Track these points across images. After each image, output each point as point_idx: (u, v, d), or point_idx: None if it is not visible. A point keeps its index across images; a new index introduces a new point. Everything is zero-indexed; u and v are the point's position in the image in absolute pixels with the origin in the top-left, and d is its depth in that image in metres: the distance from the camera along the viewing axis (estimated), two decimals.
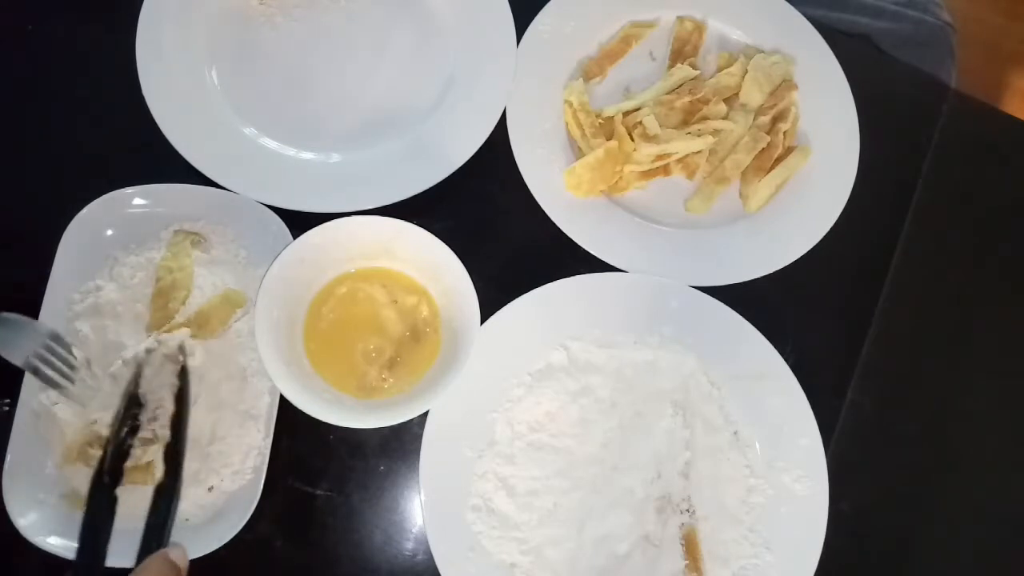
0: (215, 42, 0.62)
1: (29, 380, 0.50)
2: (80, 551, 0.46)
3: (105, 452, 0.48)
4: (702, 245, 0.60)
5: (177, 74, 0.59)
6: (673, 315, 0.57)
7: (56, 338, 0.49)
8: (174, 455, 0.48)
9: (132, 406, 0.49)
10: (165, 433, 0.49)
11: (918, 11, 0.81)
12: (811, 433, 0.55)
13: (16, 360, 0.48)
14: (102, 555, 0.46)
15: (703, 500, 0.53)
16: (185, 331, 0.51)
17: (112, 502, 0.47)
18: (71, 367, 0.49)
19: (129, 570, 0.44)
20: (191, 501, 0.49)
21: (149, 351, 0.50)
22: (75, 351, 0.50)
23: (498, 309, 0.55)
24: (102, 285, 0.53)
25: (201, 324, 0.52)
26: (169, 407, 0.49)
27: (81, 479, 0.49)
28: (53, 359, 0.49)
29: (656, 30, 0.67)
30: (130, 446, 0.48)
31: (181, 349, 0.50)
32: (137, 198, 0.54)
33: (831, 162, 0.62)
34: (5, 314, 0.49)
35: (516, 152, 0.59)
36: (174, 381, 0.49)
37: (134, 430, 0.49)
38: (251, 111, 0.60)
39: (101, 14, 0.62)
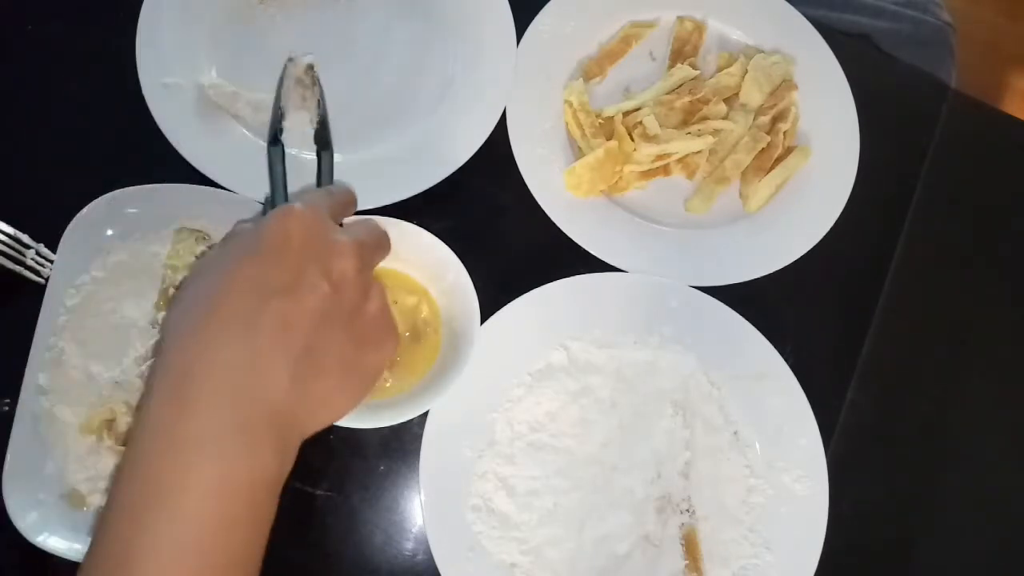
0: (215, 42, 0.62)
1: (29, 380, 0.50)
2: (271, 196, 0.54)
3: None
4: (702, 245, 0.60)
5: (177, 74, 0.59)
6: (673, 315, 0.57)
7: (11, 232, 0.52)
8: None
9: (280, 114, 0.57)
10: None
11: (918, 11, 0.81)
12: (811, 433, 0.55)
13: None
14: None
15: (703, 500, 0.53)
16: None
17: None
18: (20, 243, 0.52)
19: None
20: None
21: (291, 60, 0.59)
22: (21, 235, 0.52)
23: (498, 309, 0.55)
24: (98, 276, 0.53)
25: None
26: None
27: (82, 478, 0.49)
28: (12, 251, 0.52)
29: (656, 30, 0.67)
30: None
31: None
32: (137, 198, 0.54)
33: (831, 162, 0.62)
34: None
35: (516, 152, 0.59)
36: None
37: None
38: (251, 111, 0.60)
39: (101, 14, 0.62)
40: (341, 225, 0.46)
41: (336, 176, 0.59)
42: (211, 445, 0.35)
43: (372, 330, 0.42)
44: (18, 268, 0.52)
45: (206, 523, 0.35)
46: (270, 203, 0.54)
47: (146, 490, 0.35)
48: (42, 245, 0.53)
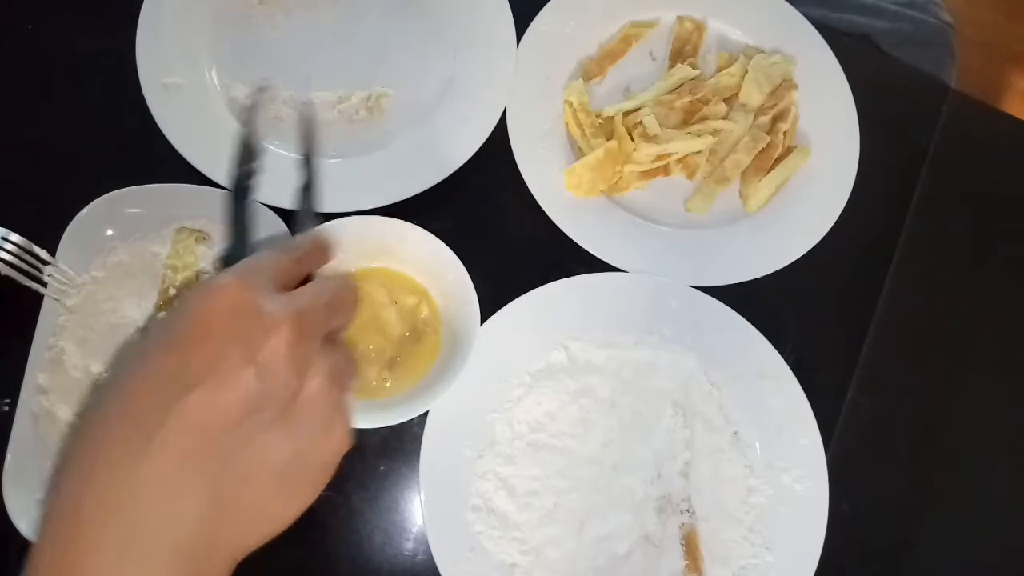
0: (215, 42, 0.62)
1: (29, 380, 0.50)
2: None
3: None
4: (702, 245, 0.60)
5: (177, 74, 0.59)
6: (673, 315, 0.57)
7: (19, 239, 0.50)
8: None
9: (248, 155, 0.47)
10: None
11: (918, 11, 0.81)
12: (811, 433, 0.55)
13: None
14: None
15: (703, 500, 0.53)
16: None
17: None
18: (38, 259, 0.51)
19: None
20: None
21: (262, 90, 0.50)
22: (38, 250, 0.51)
23: (498, 309, 0.55)
24: (98, 276, 0.53)
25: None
26: None
27: None
28: (13, 258, 0.50)
29: (656, 30, 0.67)
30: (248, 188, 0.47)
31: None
32: (137, 198, 0.54)
33: (831, 162, 0.62)
34: None
35: (516, 152, 0.59)
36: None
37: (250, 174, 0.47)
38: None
39: (101, 14, 0.62)
40: (307, 281, 0.41)
41: (336, 176, 0.59)
42: None
43: (313, 417, 0.35)
44: (35, 285, 0.51)
45: None
46: (222, 263, 0.46)
47: None
48: (61, 262, 0.52)
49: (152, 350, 0.34)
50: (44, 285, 0.51)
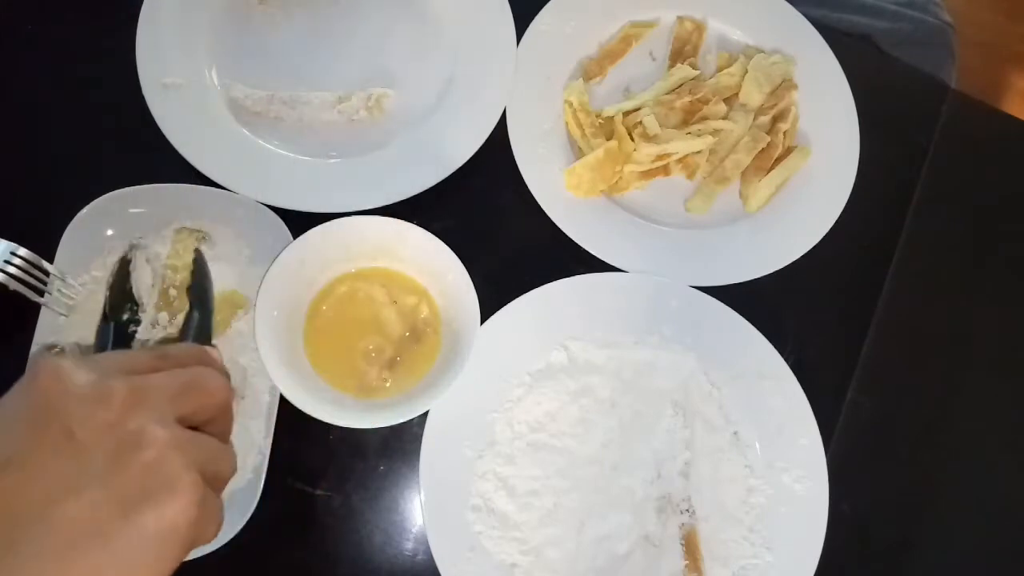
0: (215, 42, 0.62)
1: None
2: None
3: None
4: (702, 245, 0.60)
5: (177, 74, 0.59)
6: (673, 315, 0.57)
7: (27, 254, 0.51)
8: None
9: (123, 300, 0.50)
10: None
11: (918, 11, 0.81)
12: (811, 433, 0.55)
13: None
14: None
15: (703, 500, 0.53)
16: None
17: None
18: (44, 272, 0.51)
19: None
20: None
21: (134, 247, 0.52)
22: (46, 265, 0.51)
23: (498, 309, 0.55)
24: (98, 276, 0.53)
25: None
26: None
27: None
28: (20, 272, 0.50)
29: (656, 30, 0.67)
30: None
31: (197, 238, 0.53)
32: (137, 198, 0.54)
33: (831, 162, 0.62)
34: None
35: (516, 152, 0.59)
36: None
37: (131, 321, 0.50)
38: (251, 110, 0.60)
39: (101, 14, 0.62)
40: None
41: (336, 176, 0.59)
42: None
43: (146, 483, 0.33)
44: (42, 300, 0.51)
45: None
46: None
47: None
48: (68, 276, 0.52)
49: None
50: (41, 294, 0.51)
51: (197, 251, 0.53)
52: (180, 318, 0.52)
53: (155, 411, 0.34)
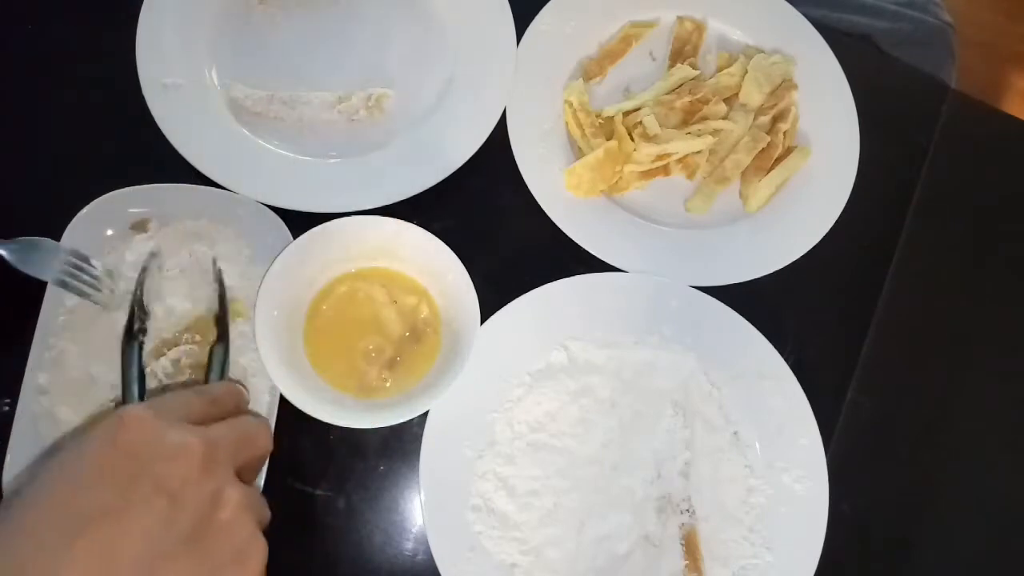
0: (215, 42, 0.62)
1: (29, 380, 0.50)
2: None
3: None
4: (702, 245, 0.60)
5: (177, 74, 0.59)
6: (673, 315, 0.57)
7: (76, 254, 0.52)
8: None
9: (141, 310, 0.52)
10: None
11: (918, 11, 0.81)
12: (811, 433, 0.55)
13: (47, 277, 0.51)
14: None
15: (703, 500, 0.53)
16: (185, 347, 0.52)
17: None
18: (94, 277, 0.52)
19: None
20: None
21: (153, 255, 0.53)
22: (94, 262, 0.53)
23: (498, 309, 0.55)
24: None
25: (201, 331, 0.52)
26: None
27: None
28: (77, 272, 0.52)
29: (656, 30, 0.67)
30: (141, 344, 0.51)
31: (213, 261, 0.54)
32: (137, 198, 0.54)
33: (831, 162, 0.62)
34: (30, 238, 0.52)
35: (516, 152, 0.59)
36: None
37: (141, 331, 0.51)
38: (251, 110, 0.60)
39: (101, 14, 0.62)
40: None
41: (336, 176, 0.59)
42: None
43: (228, 544, 0.35)
44: (95, 299, 0.52)
45: None
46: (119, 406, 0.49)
47: None
48: (98, 265, 0.53)
49: (56, 483, 0.33)
50: (98, 291, 0.53)
51: (220, 280, 0.53)
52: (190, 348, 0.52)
53: (226, 469, 0.37)
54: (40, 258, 0.51)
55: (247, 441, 0.40)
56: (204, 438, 0.36)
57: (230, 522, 0.35)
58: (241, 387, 0.49)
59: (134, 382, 0.50)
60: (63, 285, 0.51)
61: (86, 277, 0.52)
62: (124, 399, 0.49)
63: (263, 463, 0.43)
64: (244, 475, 0.41)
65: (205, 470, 0.35)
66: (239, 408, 0.45)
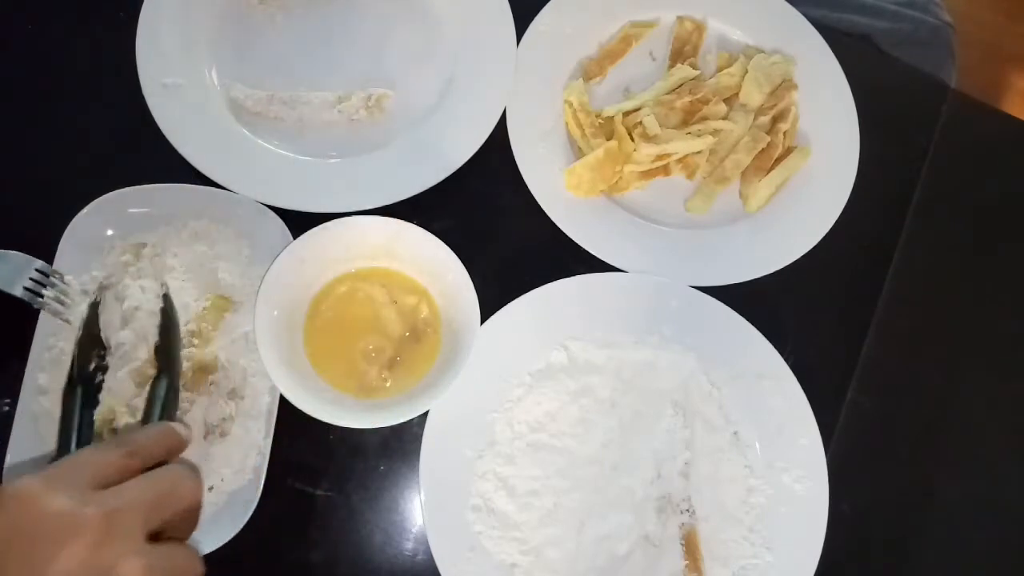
0: (215, 42, 0.62)
1: (29, 380, 0.50)
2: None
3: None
4: (702, 245, 0.60)
5: (177, 74, 0.59)
6: (673, 315, 0.57)
7: (48, 269, 0.52)
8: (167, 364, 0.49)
9: (91, 347, 0.50)
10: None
11: (918, 11, 0.81)
12: (811, 433, 0.55)
13: (14, 291, 0.50)
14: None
15: (703, 500, 0.53)
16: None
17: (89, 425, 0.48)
18: (64, 294, 0.52)
19: None
20: None
21: (103, 288, 0.52)
22: (67, 278, 0.52)
23: (498, 309, 0.55)
24: (98, 276, 0.53)
25: (194, 333, 0.52)
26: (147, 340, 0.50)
27: None
28: (47, 288, 0.51)
29: (656, 30, 0.67)
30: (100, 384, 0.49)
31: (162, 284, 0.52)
32: (137, 198, 0.54)
33: (831, 162, 0.62)
34: (2, 251, 0.51)
35: (516, 152, 0.59)
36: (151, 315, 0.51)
37: (98, 369, 0.50)
38: (251, 110, 0.60)
39: (101, 14, 0.62)
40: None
41: (336, 176, 0.59)
42: None
43: None
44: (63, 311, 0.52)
45: None
46: (51, 461, 0.46)
47: None
48: (72, 281, 0.52)
49: None
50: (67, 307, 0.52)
51: (165, 296, 0.51)
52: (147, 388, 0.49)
53: (128, 539, 0.33)
54: (8, 272, 0.51)
55: (166, 497, 0.36)
56: (102, 508, 0.32)
57: None
58: (180, 427, 0.44)
59: (72, 431, 0.47)
60: (31, 300, 0.51)
61: (54, 293, 0.51)
62: (58, 452, 0.46)
63: (192, 512, 0.39)
64: (174, 531, 0.38)
65: (99, 546, 0.31)
66: (170, 454, 0.41)
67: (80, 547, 0.30)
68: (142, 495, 0.35)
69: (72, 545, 0.30)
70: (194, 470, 0.41)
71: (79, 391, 0.48)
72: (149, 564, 0.33)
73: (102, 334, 0.51)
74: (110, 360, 0.50)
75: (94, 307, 0.51)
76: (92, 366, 0.50)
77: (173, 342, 0.50)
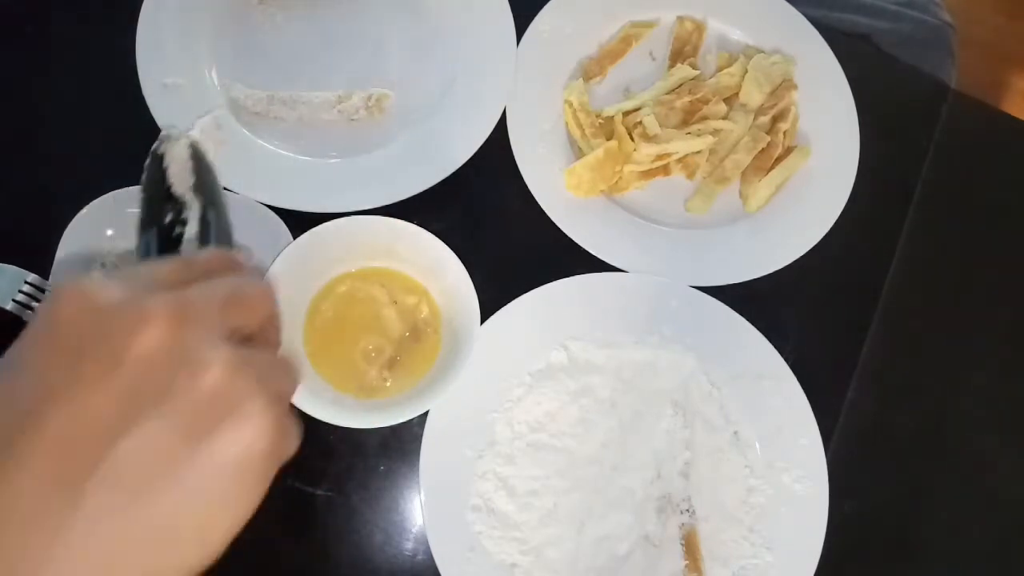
0: (215, 42, 0.62)
1: None
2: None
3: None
4: (702, 245, 0.60)
5: (177, 74, 0.59)
6: (673, 315, 0.57)
7: (39, 283, 0.51)
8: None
9: (163, 206, 0.41)
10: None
11: (918, 11, 0.81)
12: (811, 433, 0.55)
13: (3, 303, 0.50)
14: None
15: (703, 500, 0.53)
16: None
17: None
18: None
19: None
20: None
21: (166, 139, 0.43)
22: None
23: (498, 309, 0.55)
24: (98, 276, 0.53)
25: None
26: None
27: None
28: (35, 301, 0.51)
29: (656, 30, 0.67)
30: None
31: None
32: (137, 198, 0.54)
33: (831, 162, 0.62)
34: None
35: (516, 152, 0.59)
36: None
37: (175, 223, 0.41)
38: (251, 110, 0.60)
39: (101, 14, 0.62)
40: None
41: (336, 176, 0.59)
42: None
43: (213, 410, 0.29)
44: None
45: None
46: None
47: None
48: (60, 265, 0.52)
49: None
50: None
51: (193, 146, 0.44)
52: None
53: (205, 330, 0.30)
54: (1, 286, 0.51)
55: (231, 299, 0.32)
56: (169, 302, 0.29)
57: (215, 386, 0.29)
58: (237, 253, 0.39)
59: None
60: (20, 313, 0.51)
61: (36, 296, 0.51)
62: None
63: (270, 322, 0.35)
64: (258, 341, 0.34)
65: (174, 333, 0.28)
66: (231, 272, 0.37)
67: (155, 330, 0.28)
68: (211, 290, 0.32)
69: (146, 330, 0.28)
70: (267, 283, 0.36)
71: (154, 233, 0.40)
72: (234, 355, 0.30)
73: (174, 189, 0.42)
74: (188, 215, 0.42)
75: (157, 159, 0.43)
76: (168, 219, 0.41)
77: (210, 177, 0.43)
